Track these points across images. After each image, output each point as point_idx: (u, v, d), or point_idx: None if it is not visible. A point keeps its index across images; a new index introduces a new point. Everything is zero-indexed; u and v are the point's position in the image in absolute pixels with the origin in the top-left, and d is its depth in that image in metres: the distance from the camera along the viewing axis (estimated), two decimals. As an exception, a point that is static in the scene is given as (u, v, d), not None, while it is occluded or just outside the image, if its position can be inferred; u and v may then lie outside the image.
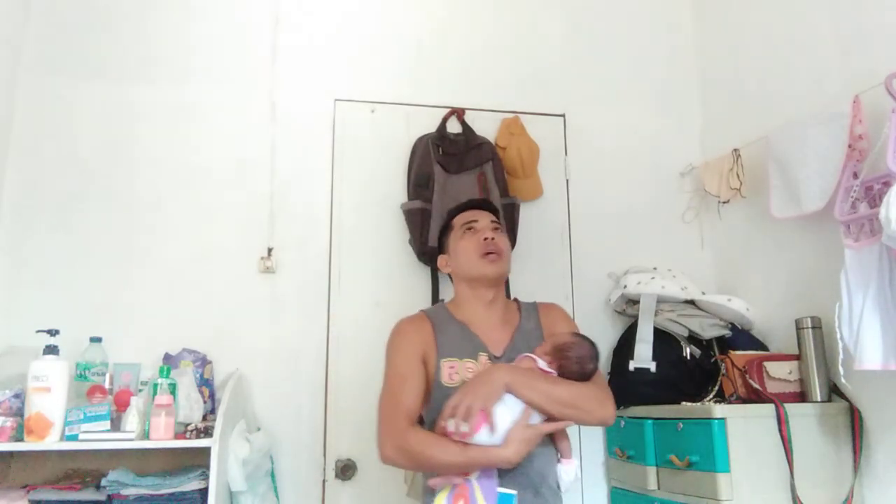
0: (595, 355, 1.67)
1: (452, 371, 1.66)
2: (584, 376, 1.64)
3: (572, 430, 2.43)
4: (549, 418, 1.58)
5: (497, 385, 1.54)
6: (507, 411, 1.52)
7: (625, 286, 2.40)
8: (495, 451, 1.51)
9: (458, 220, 1.86)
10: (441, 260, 1.89)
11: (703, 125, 2.81)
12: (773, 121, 2.31)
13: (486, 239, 1.77)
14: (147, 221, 2.33)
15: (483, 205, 1.92)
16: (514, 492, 1.55)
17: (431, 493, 1.60)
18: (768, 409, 1.94)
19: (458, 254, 1.81)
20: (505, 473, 1.56)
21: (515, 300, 1.90)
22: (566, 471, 1.67)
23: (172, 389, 1.92)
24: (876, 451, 1.94)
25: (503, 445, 1.51)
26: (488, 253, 1.76)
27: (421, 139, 2.53)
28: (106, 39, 2.43)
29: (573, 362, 1.63)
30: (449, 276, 1.90)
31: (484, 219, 1.84)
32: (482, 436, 1.49)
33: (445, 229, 1.90)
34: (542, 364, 1.62)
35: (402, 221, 2.45)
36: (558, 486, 1.67)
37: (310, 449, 2.28)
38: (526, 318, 1.80)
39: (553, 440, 1.67)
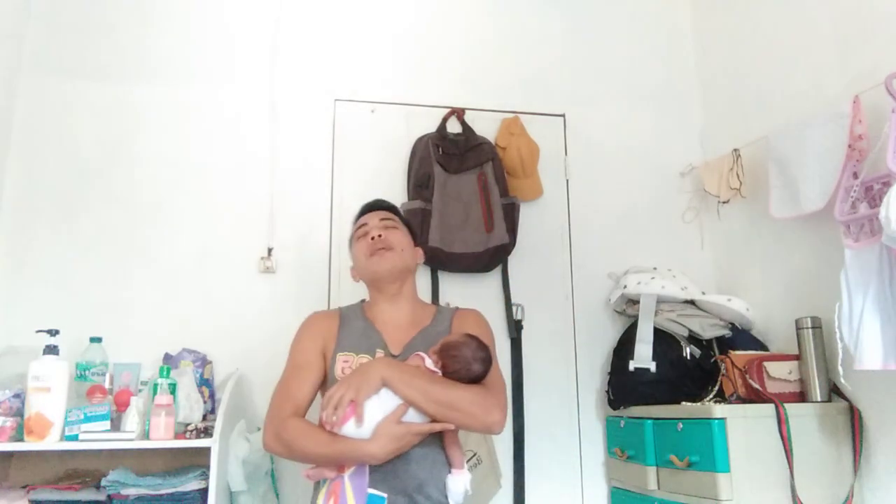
0: (483, 358, 1.60)
1: (346, 365, 1.66)
2: (471, 379, 1.59)
3: (572, 430, 2.46)
4: (433, 421, 1.54)
5: (372, 378, 1.52)
6: (380, 406, 1.50)
7: (625, 286, 2.40)
8: (361, 445, 1.49)
9: (354, 228, 1.86)
10: (350, 272, 1.87)
11: (703, 125, 2.81)
12: (773, 121, 2.31)
13: (372, 238, 1.76)
14: (147, 221, 2.33)
15: (375, 206, 1.88)
16: (384, 495, 1.51)
17: (317, 488, 1.61)
18: (768, 409, 1.93)
19: (355, 260, 1.82)
20: (378, 475, 1.53)
21: (436, 305, 1.88)
22: (454, 481, 1.60)
23: (172, 389, 1.92)
24: (876, 451, 1.94)
25: (370, 440, 1.49)
26: (375, 251, 1.74)
27: (421, 139, 2.53)
28: (106, 39, 2.44)
29: (455, 361, 1.58)
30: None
31: (373, 219, 1.82)
32: (349, 427, 1.48)
33: (350, 242, 1.88)
34: (428, 363, 1.58)
35: (402, 221, 2.45)
36: (445, 497, 1.60)
37: (310, 449, 2.28)
38: (437, 321, 1.78)
39: (443, 448, 1.62)
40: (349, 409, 1.48)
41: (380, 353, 1.68)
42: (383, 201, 1.91)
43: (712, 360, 2.24)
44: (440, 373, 1.58)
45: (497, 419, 1.57)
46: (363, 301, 1.86)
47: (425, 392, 1.52)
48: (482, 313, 1.84)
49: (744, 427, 1.89)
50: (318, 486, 1.63)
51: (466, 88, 2.64)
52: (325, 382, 1.69)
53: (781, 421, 1.90)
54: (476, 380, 1.60)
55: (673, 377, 2.23)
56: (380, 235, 1.76)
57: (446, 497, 1.60)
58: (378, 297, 1.79)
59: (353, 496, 1.51)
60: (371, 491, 1.51)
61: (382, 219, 1.82)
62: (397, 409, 1.51)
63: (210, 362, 2.19)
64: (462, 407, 1.54)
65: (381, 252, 1.74)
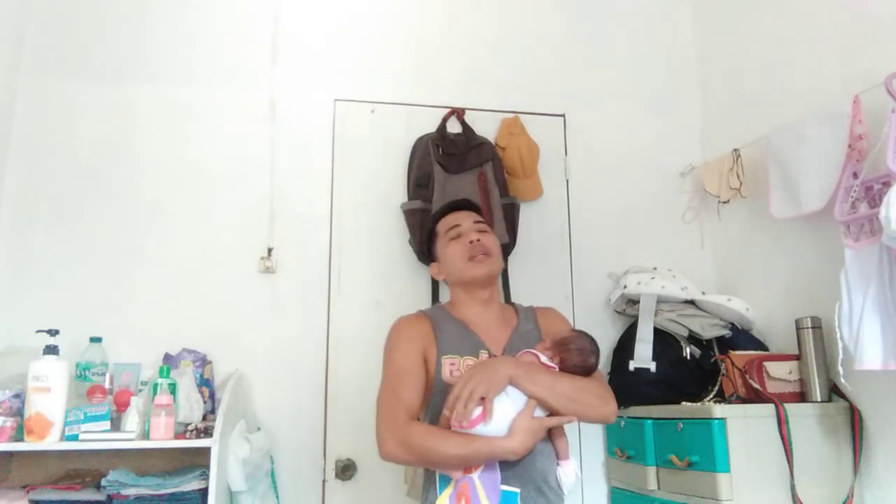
0: (596, 350, 1.67)
1: (454, 368, 1.65)
2: (586, 370, 1.64)
3: (572, 430, 2.45)
4: (551, 414, 1.57)
5: (500, 375, 1.52)
6: (511, 403, 1.51)
7: (625, 286, 2.40)
8: (500, 443, 1.49)
9: (442, 225, 1.85)
10: (433, 268, 1.88)
11: (703, 125, 2.81)
12: (773, 121, 2.31)
13: (471, 242, 1.76)
14: (147, 221, 2.33)
15: (463, 205, 1.89)
16: (517, 489, 1.54)
17: (428, 490, 1.59)
18: (768, 409, 1.94)
19: (447, 260, 1.81)
20: (507, 471, 1.54)
21: (512, 304, 1.90)
22: (566, 472, 1.65)
23: (172, 389, 1.92)
24: (876, 451, 1.94)
25: (508, 437, 1.49)
26: (476, 256, 1.75)
27: (421, 139, 2.53)
28: (106, 39, 2.44)
29: (574, 354, 1.63)
30: (444, 281, 1.89)
31: (466, 221, 1.82)
32: (481, 426, 1.48)
33: (431, 236, 1.89)
34: (543, 359, 1.62)
35: (402, 221, 2.45)
36: (560, 487, 1.65)
37: (310, 449, 2.28)
38: (524, 320, 1.80)
39: (550, 440, 1.65)
40: (481, 407, 1.47)
41: (483, 354, 1.68)
42: (471, 202, 1.92)
43: (712, 360, 2.24)
44: (556, 368, 1.61)
45: (614, 409, 1.65)
46: (440, 304, 1.87)
47: (551, 387, 1.55)
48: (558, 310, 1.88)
49: (744, 427, 1.90)
50: (427, 488, 1.62)
51: (466, 88, 2.64)
52: (429, 387, 1.67)
53: (781, 421, 1.90)
54: (590, 371, 1.65)
55: (673, 377, 2.24)
56: (479, 240, 1.77)
57: (560, 486, 1.65)
58: (468, 300, 1.79)
59: (485, 495, 1.51)
60: (504, 487, 1.53)
61: (476, 221, 1.83)
62: (529, 404, 1.52)
63: (210, 362, 2.19)
64: (585, 399, 1.59)
65: (482, 258, 1.75)
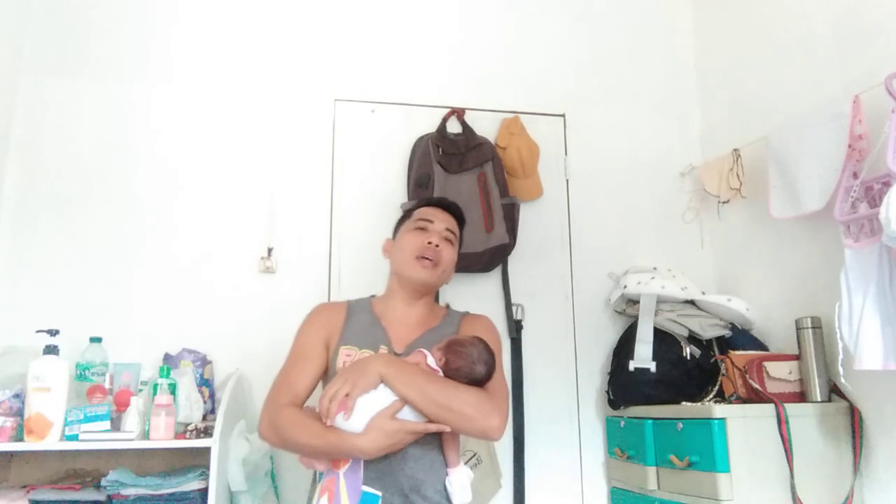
0: (487, 361, 1.59)
1: (348, 359, 1.64)
2: (472, 380, 1.56)
3: (572, 430, 2.46)
4: (430, 421, 1.52)
5: (370, 373, 1.50)
6: (376, 401, 1.48)
7: (625, 286, 2.40)
8: (350, 438, 1.46)
9: (421, 212, 1.82)
10: (385, 243, 1.86)
11: (703, 125, 2.81)
12: (773, 121, 2.31)
13: (429, 243, 1.73)
14: (147, 221, 2.33)
15: (452, 209, 1.86)
16: (378, 493, 1.50)
17: (314, 482, 1.61)
18: (768, 409, 1.94)
19: (399, 245, 1.79)
20: (374, 473, 1.51)
21: (446, 307, 1.87)
22: (452, 481, 1.58)
23: (172, 389, 1.92)
24: (876, 451, 1.94)
25: (362, 434, 1.46)
26: (424, 258, 1.72)
27: (421, 139, 2.53)
28: (106, 39, 2.44)
29: (459, 357, 1.56)
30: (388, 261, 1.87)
31: (441, 224, 1.78)
32: (340, 420, 1.46)
33: (406, 215, 1.86)
34: (430, 360, 1.56)
35: (402, 221, 2.45)
36: (445, 499, 1.58)
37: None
38: (445, 324, 1.76)
39: (441, 447, 1.61)
40: (343, 401, 1.47)
41: (383, 350, 1.66)
42: (459, 209, 1.88)
43: (712, 360, 2.24)
44: (441, 372, 1.56)
45: (495, 424, 1.53)
46: (372, 296, 1.85)
47: (423, 391, 1.50)
48: (491, 320, 1.83)
49: (744, 427, 1.89)
50: (315, 482, 1.63)
51: (466, 88, 2.64)
52: (326, 374, 1.68)
53: (781, 421, 1.90)
54: (477, 382, 1.58)
55: (673, 377, 2.23)
56: (437, 246, 1.73)
57: (447, 499, 1.58)
58: (396, 291, 1.78)
59: (346, 493, 1.49)
60: (365, 489, 1.50)
61: (448, 228, 1.79)
62: (392, 405, 1.49)
63: (210, 362, 2.19)
64: (459, 409, 1.50)
65: (428, 263, 1.72)
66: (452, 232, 1.81)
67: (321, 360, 1.68)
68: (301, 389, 1.64)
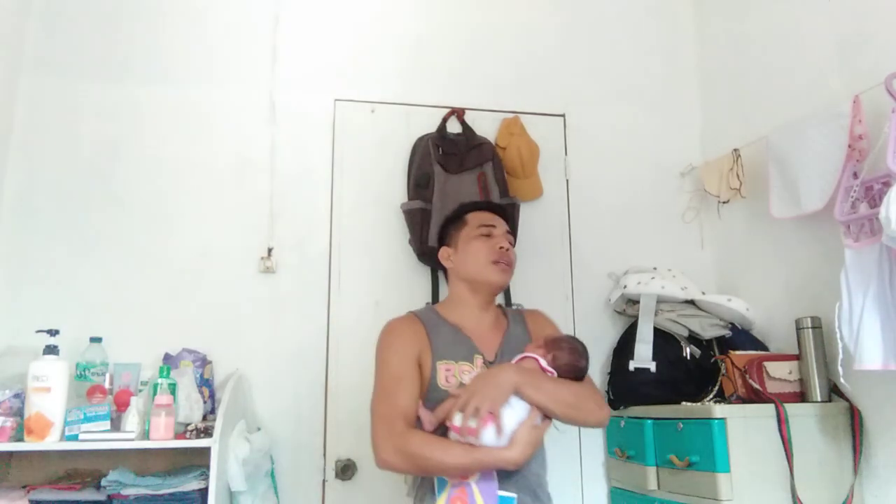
0: (587, 353, 1.67)
1: (449, 373, 1.64)
2: (577, 371, 1.64)
3: (572, 430, 2.46)
4: (546, 418, 1.57)
5: (506, 386, 1.51)
6: (513, 412, 1.50)
7: (625, 286, 2.40)
8: (500, 453, 1.48)
9: (475, 218, 1.83)
10: (443, 252, 1.85)
11: (703, 125, 2.81)
12: (773, 121, 2.31)
13: (501, 247, 1.77)
14: (147, 221, 2.33)
15: (499, 211, 1.90)
16: (514, 495, 1.53)
17: (424, 492, 1.59)
18: (768, 409, 1.94)
19: (469, 253, 1.78)
20: (504, 476, 1.53)
21: (499, 306, 1.88)
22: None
23: (172, 389, 1.92)
24: (876, 451, 1.94)
25: (509, 447, 1.48)
26: (500, 262, 1.75)
27: (421, 139, 2.53)
28: (106, 39, 2.43)
29: (567, 353, 1.63)
30: (444, 271, 1.88)
31: (501, 227, 1.83)
32: (488, 437, 1.46)
33: (455, 222, 1.87)
34: (543, 363, 1.61)
35: (402, 221, 2.45)
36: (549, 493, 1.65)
37: (310, 449, 2.28)
38: (514, 324, 1.79)
39: None
40: (486, 418, 1.46)
41: (478, 359, 1.67)
42: (507, 212, 1.94)
43: (712, 360, 2.24)
44: (555, 373, 1.61)
45: (608, 414, 1.66)
46: (430, 305, 1.87)
47: (554, 395, 1.55)
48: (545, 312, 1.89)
49: (744, 427, 1.90)
50: (423, 492, 1.61)
51: (466, 88, 2.64)
52: (423, 392, 1.64)
53: (781, 421, 1.90)
54: (581, 374, 1.66)
55: (673, 377, 2.24)
56: (507, 250, 1.78)
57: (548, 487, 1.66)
58: (468, 300, 1.78)
59: (482, 501, 1.50)
60: (501, 493, 1.52)
61: (508, 232, 1.84)
62: (532, 415, 1.52)
63: (210, 362, 2.19)
64: (585, 405, 1.59)
65: (506, 267, 1.76)
66: (511, 235, 1.86)
67: (418, 378, 1.64)
68: (410, 412, 1.59)
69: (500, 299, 2.45)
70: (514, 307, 1.89)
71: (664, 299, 2.34)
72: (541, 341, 1.67)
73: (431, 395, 1.61)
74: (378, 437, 1.56)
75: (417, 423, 1.59)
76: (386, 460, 1.54)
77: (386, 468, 1.55)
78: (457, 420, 1.48)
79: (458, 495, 1.52)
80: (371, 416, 1.61)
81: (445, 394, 1.58)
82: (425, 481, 1.62)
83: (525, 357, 1.63)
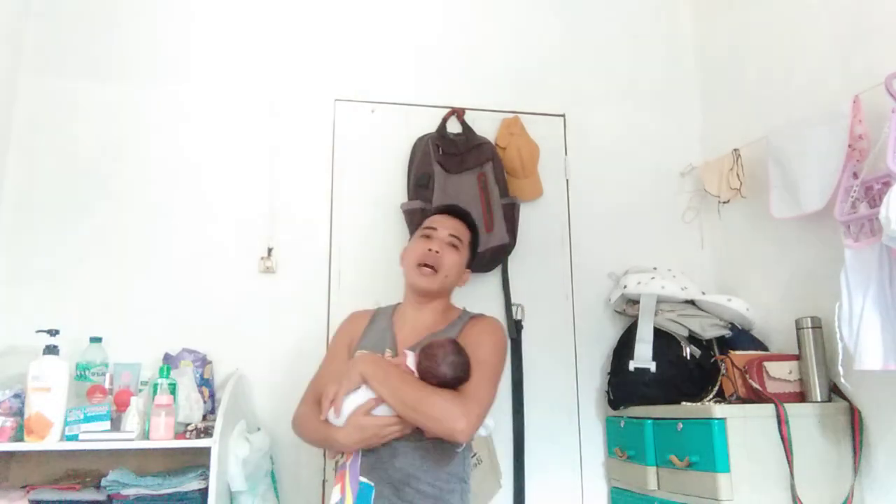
0: (454, 363, 1.61)
1: None
2: (441, 381, 1.60)
3: (572, 430, 2.46)
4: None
5: (353, 374, 1.62)
6: (355, 399, 1.60)
7: (625, 286, 2.40)
8: (333, 433, 1.62)
9: (432, 220, 1.90)
10: (402, 253, 1.93)
11: (703, 125, 2.81)
12: (773, 121, 2.31)
13: (430, 249, 1.80)
14: (147, 221, 2.33)
15: (461, 214, 1.91)
16: (371, 483, 1.60)
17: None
18: (768, 409, 1.94)
19: (406, 253, 1.90)
20: (367, 465, 1.62)
21: (461, 310, 1.90)
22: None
23: (172, 389, 1.92)
24: (876, 451, 1.94)
25: (341, 429, 1.61)
26: (425, 265, 1.79)
27: (421, 139, 2.53)
28: (106, 39, 2.43)
29: (427, 359, 1.61)
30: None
31: (445, 230, 1.84)
32: (331, 415, 1.62)
33: (419, 224, 1.95)
34: (410, 360, 1.64)
35: (402, 221, 2.45)
36: (441, 491, 1.63)
37: (310, 449, 2.27)
38: (451, 327, 1.81)
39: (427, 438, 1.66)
40: (328, 400, 1.62)
41: (388, 353, 1.75)
42: (466, 214, 1.93)
43: (712, 360, 2.24)
44: (415, 373, 1.63)
45: (460, 428, 1.54)
46: (398, 303, 1.94)
47: (395, 391, 1.59)
48: (498, 322, 1.86)
49: (744, 427, 1.89)
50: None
51: (466, 88, 2.64)
52: None
53: (781, 421, 1.90)
54: (448, 384, 1.60)
55: (673, 377, 2.24)
56: (437, 252, 1.80)
57: (442, 491, 1.63)
58: (408, 297, 1.89)
59: (349, 482, 1.61)
60: (361, 479, 1.61)
61: (451, 234, 1.85)
62: (366, 402, 1.60)
63: (210, 362, 2.19)
64: (425, 410, 1.56)
65: (427, 270, 1.80)
66: (457, 237, 1.85)
67: (343, 363, 1.78)
68: (323, 388, 1.71)
69: (500, 299, 2.48)
70: (472, 314, 1.89)
71: (664, 299, 2.34)
72: (427, 343, 1.67)
73: None
74: (298, 408, 1.81)
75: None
76: (293, 428, 1.80)
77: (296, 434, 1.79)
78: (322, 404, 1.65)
79: (340, 474, 1.65)
80: None
81: None
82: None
83: (404, 352, 1.70)
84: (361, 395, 1.61)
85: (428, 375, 1.61)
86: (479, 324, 1.83)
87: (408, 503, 1.60)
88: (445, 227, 1.85)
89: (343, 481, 1.62)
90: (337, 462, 1.75)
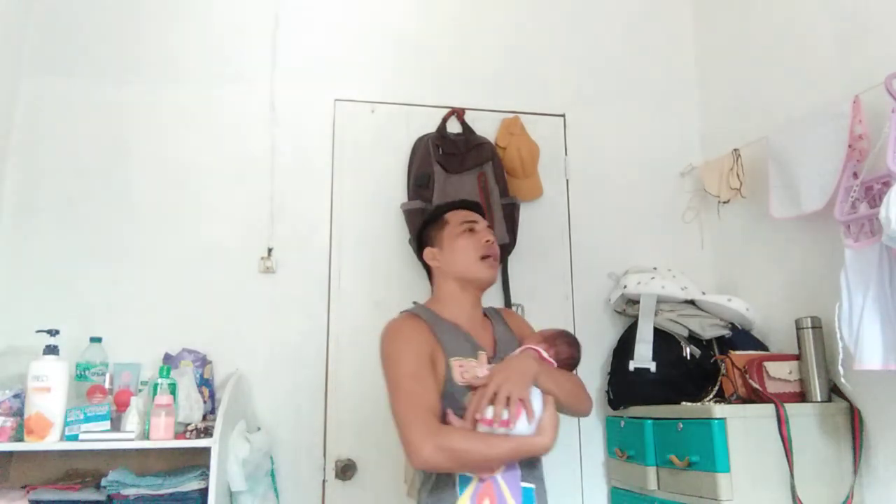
0: (580, 346, 1.78)
1: (463, 370, 1.62)
2: (575, 363, 1.76)
3: (572, 430, 2.46)
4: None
5: (529, 375, 1.54)
6: (536, 400, 1.52)
7: (625, 286, 2.40)
8: (534, 440, 1.49)
9: (456, 216, 1.83)
10: (428, 252, 1.83)
11: (703, 125, 2.81)
12: (773, 121, 2.32)
13: (486, 241, 1.78)
14: (147, 221, 2.33)
15: (476, 208, 1.91)
16: (532, 485, 1.56)
17: (440, 491, 1.55)
18: (768, 409, 1.94)
19: (456, 251, 1.77)
20: (523, 468, 1.56)
21: None
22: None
23: (172, 389, 1.92)
24: (876, 451, 1.94)
25: (539, 434, 1.48)
26: (487, 256, 1.77)
27: (421, 139, 2.53)
28: (106, 40, 2.43)
29: (568, 347, 1.73)
30: (428, 271, 1.86)
31: (482, 222, 1.85)
32: (522, 425, 1.47)
33: (434, 223, 1.86)
34: (545, 355, 1.66)
35: (402, 221, 2.45)
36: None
37: (310, 449, 2.28)
38: (497, 322, 1.83)
39: None
40: (518, 406, 1.47)
41: (482, 355, 1.67)
42: (480, 207, 1.94)
43: (712, 360, 2.24)
44: (555, 364, 1.67)
45: (591, 405, 1.76)
46: (420, 304, 1.80)
47: (561, 384, 1.62)
48: None
49: (744, 427, 1.90)
50: (438, 492, 1.57)
51: (466, 88, 2.64)
52: (439, 389, 1.61)
53: (781, 421, 1.90)
54: (576, 366, 1.78)
55: (673, 377, 2.23)
56: (493, 243, 1.79)
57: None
58: (460, 298, 1.77)
59: (510, 493, 1.51)
60: (524, 484, 1.54)
61: (488, 226, 1.85)
62: (550, 400, 1.53)
63: (210, 362, 2.19)
64: (581, 394, 1.71)
65: (493, 262, 1.78)
66: (492, 229, 1.90)
67: (434, 376, 1.60)
68: (437, 408, 1.55)
69: (500, 299, 2.48)
70: (490, 307, 1.89)
71: (664, 299, 2.34)
72: (539, 336, 1.75)
73: (448, 392, 1.59)
74: (416, 436, 1.49)
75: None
76: (427, 459, 1.48)
77: (425, 468, 1.52)
78: (488, 413, 1.47)
79: (484, 490, 1.51)
80: (396, 417, 1.54)
81: (462, 390, 1.57)
82: (439, 480, 1.57)
83: (527, 349, 1.67)
84: (537, 396, 1.52)
85: (569, 362, 1.73)
86: (511, 314, 1.95)
87: (545, 492, 1.65)
88: (481, 220, 1.85)
89: (495, 495, 1.50)
90: (459, 477, 1.53)
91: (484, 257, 1.76)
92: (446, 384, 1.60)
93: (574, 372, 1.79)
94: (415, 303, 1.82)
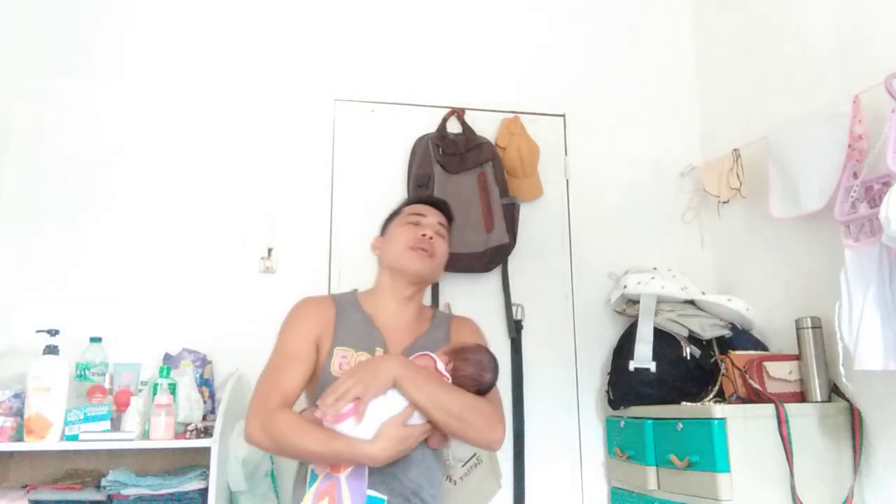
0: (494, 368, 1.59)
1: (344, 361, 1.59)
2: (479, 386, 1.56)
3: (572, 430, 2.46)
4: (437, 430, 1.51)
5: (383, 376, 1.45)
6: (385, 406, 1.43)
7: (625, 286, 2.40)
8: (361, 446, 1.41)
9: (409, 208, 1.82)
10: (375, 241, 1.83)
11: (703, 125, 2.81)
12: (773, 121, 2.31)
13: (423, 235, 1.72)
14: (147, 221, 2.33)
15: (441, 205, 1.87)
16: (384, 497, 1.46)
17: (298, 484, 1.55)
18: (768, 409, 1.93)
19: (391, 239, 1.76)
20: (378, 477, 1.47)
21: (432, 308, 1.85)
22: (452, 446, 1.55)
23: (172, 389, 1.92)
24: (876, 451, 1.94)
25: (371, 441, 1.41)
26: (419, 248, 1.70)
27: (421, 139, 2.53)
28: (106, 40, 2.44)
29: (469, 365, 1.55)
30: (378, 258, 1.85)
31: (433, 218, 1.79)
32: (347, 425, 1.40)
33: (394, 215, 1.85)
34: (440, 365, 1.53)
35: (402, 221, 2.45)
36: (437, 501, 1.57)
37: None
38: (436, 327, 1.75)
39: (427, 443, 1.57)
40: (352, 405, 1.40)
41: (378, 352, 1.62)
42: (448, 206, 1.88)
43: (712, 360, 2.24)
44: (450, 377, 1.53)
45: (500, 436, 1.55)
46: (356, 291, 1.81)
47: (437, 399, 1.47)
48: (477, 324, 1.84)
49: (744, 427, 1.89)
50: (299, 483, 1.57)
51: (466, 88, 2.64)
52: (315, 376, 1.61)
53: (781, 421, 1.90)
54: (483, 391, 1.56)
55: (673, 377, 2.23)
56: (431, 238, 1.73)
57: (436, 499, 1.58)
58: (389, 290, 1.73)
59: (349, 497, 1.44)
60: (370, 493, 1.45)
61: (439, 223, 1.79)
62: (404, 411, 1.45)
63: (210, 362, 2.19)
64: (470, 419, 1.49)
65: (423, 253, 1.70)
66: (444, 226, 1.81)
67: (311, 361, 1.59)
68: (291, 392, 1.55)
69: (500, 299, 2.48)
70: (447, 313, 1.83)
71: (664, 299, 2.34)
72: (449, 346, 1.61)
73: (322, 381, 1.56)
74: (250, 411, 1.52)
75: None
76: (251, 435, 1.50)
77: (252, 444, 1.52)
78: (322, 406, 1.41)
79: (325, 489, 1.45)
80: (253, 389, 1.57)
81: (334, 380, 1.51)
82: (299, 473, 1.56)
83: (422, 355, 1.56)
84: (393, 402, 1.43)
85: (467, 381, 1.53)
86: (468, 326, 1.80)
87: None
88: (432, 215, 1.79)
89: (335, 495, 1.44)
90: (311, 472, 1.52)
91: (414, 248, 1.69)
92: (323, 372, 1.58)
93: (489, 396, 1.59)
94: (355, 289, 1.81)
